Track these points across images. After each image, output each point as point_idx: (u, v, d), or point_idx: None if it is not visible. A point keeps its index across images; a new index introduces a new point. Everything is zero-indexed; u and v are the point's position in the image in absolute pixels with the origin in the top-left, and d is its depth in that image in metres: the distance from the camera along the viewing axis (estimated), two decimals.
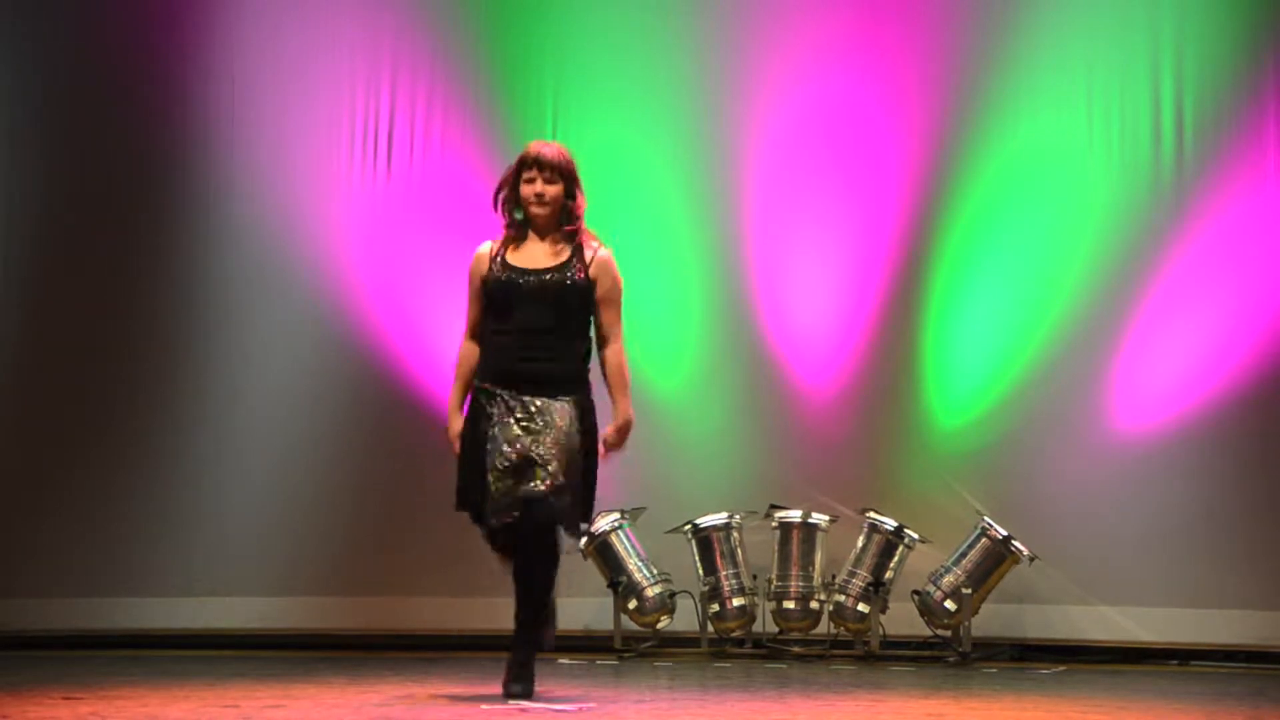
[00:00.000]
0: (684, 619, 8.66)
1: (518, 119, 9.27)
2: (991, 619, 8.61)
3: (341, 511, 9.17)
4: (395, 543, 9.13)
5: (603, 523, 8.53)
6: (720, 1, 9.21)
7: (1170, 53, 8.83)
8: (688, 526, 8.61)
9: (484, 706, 6.11)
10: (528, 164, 6.42)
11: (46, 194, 9.42)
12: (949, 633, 8.50)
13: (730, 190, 9.13)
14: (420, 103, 9.34)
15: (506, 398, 6.33)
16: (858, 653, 8.50)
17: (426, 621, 9.04)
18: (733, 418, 9.02)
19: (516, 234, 6.48)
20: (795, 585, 8.56)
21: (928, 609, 8.50)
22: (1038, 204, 8.90)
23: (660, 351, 8.98)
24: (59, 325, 9.34)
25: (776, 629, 8.65)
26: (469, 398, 6.47)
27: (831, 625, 8.58)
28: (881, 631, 8.49)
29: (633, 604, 8.61)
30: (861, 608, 8.50)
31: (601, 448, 6.42)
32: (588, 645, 8.57)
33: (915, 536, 8.55)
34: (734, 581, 8.58)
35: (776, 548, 8.62)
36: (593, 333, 6.48)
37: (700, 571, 8.62)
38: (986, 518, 8.50)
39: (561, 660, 7.76)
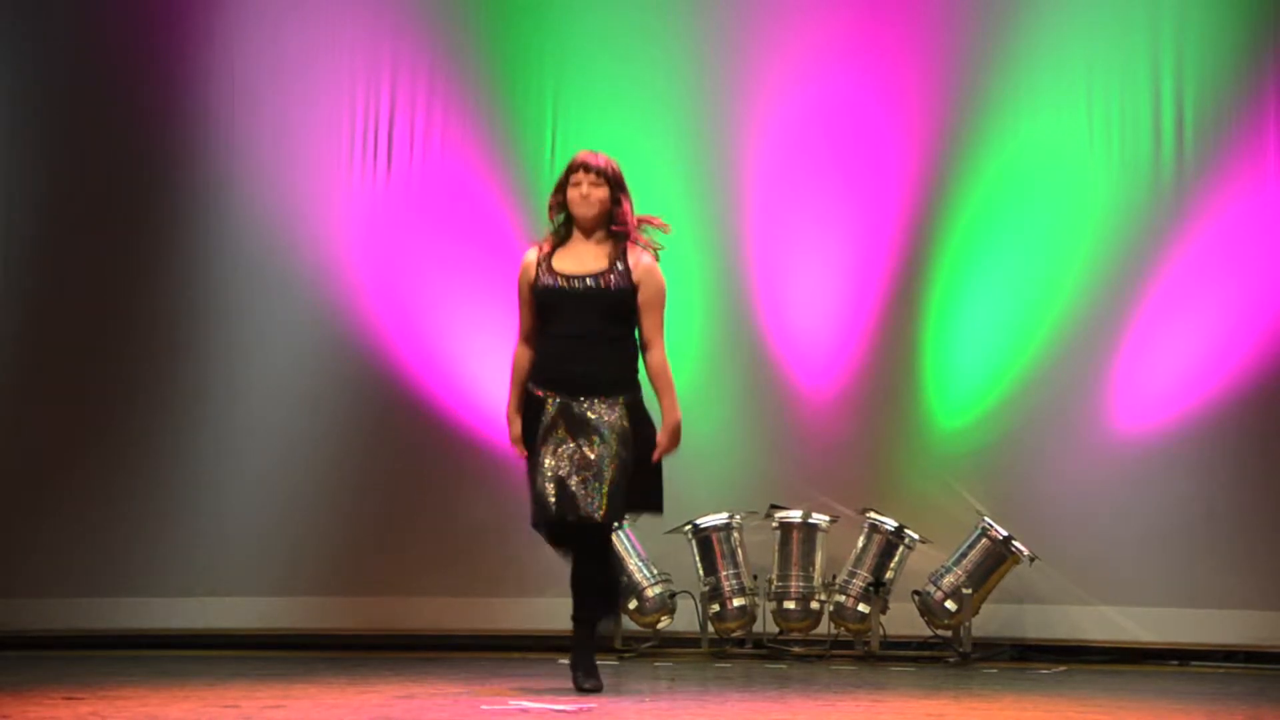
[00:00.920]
0: (684, 619, 8.66)
1: (518, 119, 9.27)
2: (991, 619, 8.61)
3: (341, 511, 9.17)
4: (395, 543, 9.13)
5: None
6: (720, 2, 9.20)
7: (1170, 53, 8.83)
8: (688, 526, 8.61)
9: (484, 706, 6.10)
10: (575, 168, 6.62)
11: (46, 194, 9.42)
12: (949, 633, 8.50)
13: (730, 190, 9.13)
14: (420, 103, 9.33)
15: (557, 402, 6.48)
16: (858, 653, 8.51)
17: (426, 621, 9.03)
18: (733, 418, 9.01)
19: (561, 239, 6.63)
20: (795, 585, 8.56)
21: (928, 609, 8.50)
22: (1038, 204, 8.90)
23: None
24: (59, 325, 9.33)
25: (777, 629, 8.65)
26: (525, 400, 6.62)
27: (832, 625, 8.58)
28: (882, 631, 8.49)
29: (633, 604, 8.61)
30: (862, 608, 8.50)
31: (655, 452, 6.58)
32: None
33: (915, 536, 8.55)
34: (734, 582, 8.58)
35: (776, 548, 8.62)
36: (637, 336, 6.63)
37: (700, 572, 8.62)
38: (986, 518, 8.50)
39: (561, 660, 7.76)
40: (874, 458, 8.99)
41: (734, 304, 9.09)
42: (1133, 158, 8.84)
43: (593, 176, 6.57)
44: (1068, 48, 8.90)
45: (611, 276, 6.55)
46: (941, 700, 6.62)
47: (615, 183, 6.60)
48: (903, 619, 8.55)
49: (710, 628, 8.61)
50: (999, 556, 8.45)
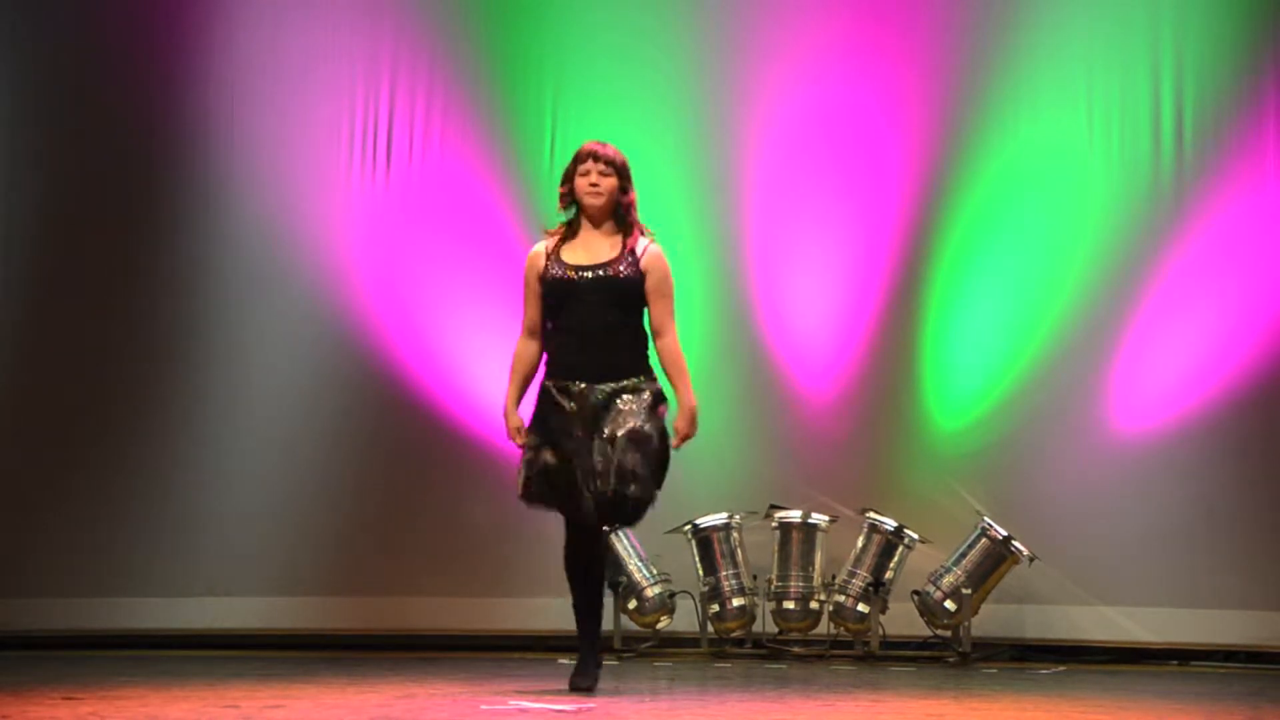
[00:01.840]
0: (684, 619, 8.66)
1: (518, 119, 9.27)
2: (991, 619, 8.61)
3: (341, 511, 9.17)
4: (395, 543, 9.13)
5: None
6: (720, 2, 9.20)
7: (1170, 53, 8.83)
8: (688, 526, 8.61)
9: (484, 707, 6.11)
10: (583, 157, 6.61)
11: (46, 194, 9.42)
12: (949, 633, 8.50)
13: (730, 191, 9.13)
14: (420, 104, 9.33)
15: (576, 390, 6.48)
16: (858, 653, 8.51)
17: (426, 621, 9.04)
18: (733, 418, 9.01)
19: (569, 231, 6.64)
20: (795, 585, 8.57)
21: (928, 609, 8.50)
22: (1038, 204, 8.91)
23: None
24: (59, 325, 9.33)
25: (776, 629, 8.65)
26: (537, 395, 6.61)
27: (831, 625, 8.58)
28: (881, 632, 8.49)
29: (633, 604, 8.61)
30: (861, 608, 8.50)
31: (674, 439, 6.57)
32: None
33: (915, 536, 8.55)
34: (734, 582, 8.58)
35: (776, 548, 8.62)
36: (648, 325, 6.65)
37: (700, 572, 8.62)
38: (986, 518, 8.50)
39: (561, 660, 7.76)
40: (874, 458, 8.99)
41: (734, 304, 9.09)
42: (1132, 158, 8.84)
43: (601, 166, 6.58)
44: (1067, 48, 8.90)
45: (620, 266, 6.55)
46: (941, 700, 6.62)
47: (623, 173, 6.61)
48: (902, 619, 8.55)
49: (710, 628, 8.61)
50: (998, 556, 8.45)
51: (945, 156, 8.98)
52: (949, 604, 8.45)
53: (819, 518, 8.63)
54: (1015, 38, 8.95)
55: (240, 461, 9.22)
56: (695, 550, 8.63)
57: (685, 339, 8.91)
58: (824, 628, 8.60)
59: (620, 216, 6.61)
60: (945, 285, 8.97)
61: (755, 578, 8.62)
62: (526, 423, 6.60)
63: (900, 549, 8.54)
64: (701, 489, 8.77)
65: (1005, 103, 8.94)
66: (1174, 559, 8.60)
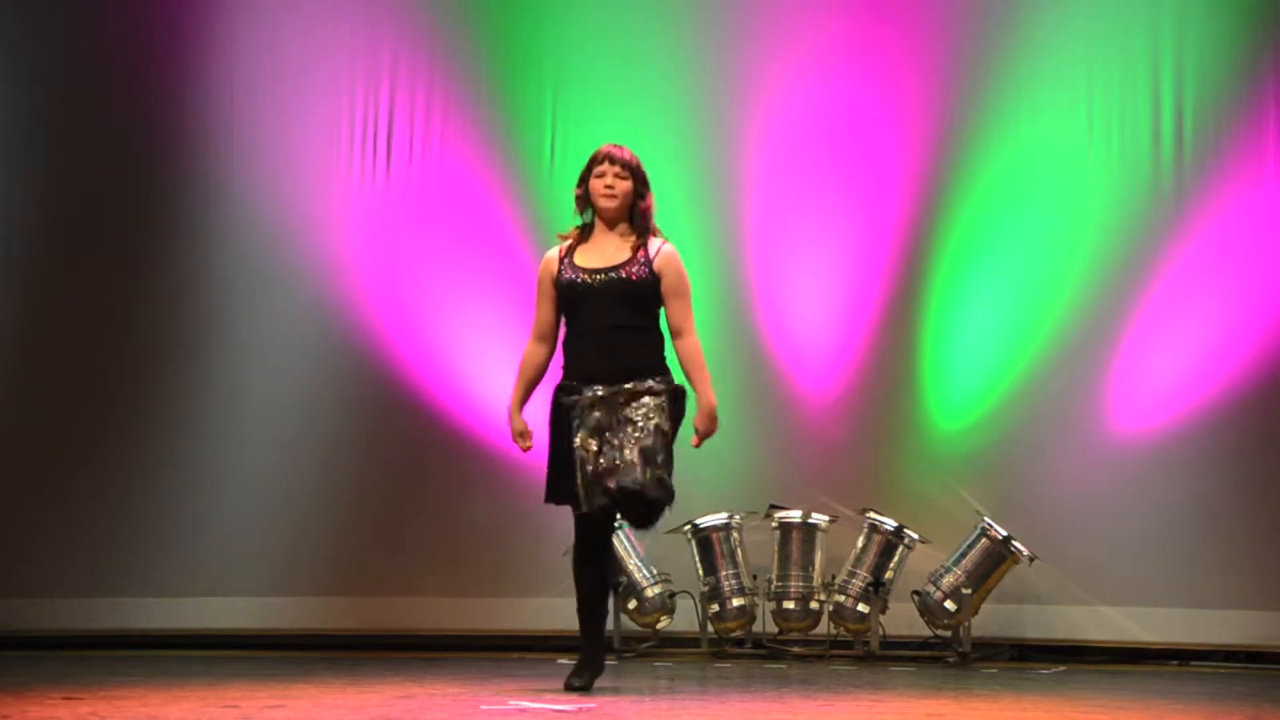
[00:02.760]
0: (684, 619, 8.66)
1: (518, 119, 9.27)
2: (991, 619, 8.61)
3: (341, 511, 9.18)
4: (395, 543, 9.13)
5: None
6: (720, 3, 9.20)
7: (1170, 53, 8.83)
8: (688, 526, 8.61)
9: (483, 707, 6.11)
10: (599, 160, 6.64)
11: (46, 194, 9.42)
12: (949, 633, 8.50)
13: (730, 191, 9.13)
14: (420, 103, 9.34)
15: (593, 391, 6.48)
16: (858, 653, 8.51)
17: (426, 621, 9.04)
18: (733, 418, 8.95)
19: (583, 235, 6.66)
20: (795, 585, 8.57)
21: (928, 609, 8.50)
22: (1038, 204, 8.91)
23: None
24: (59, 325, 9.33)
25: (776, 629, 8.65)
26: (553, 398, 6.61)
27: (831, 625, 8.58)
28: (881, 632, 8.49)
29: (632, 604, 8.61)
30: (861, 608, 8.50)
31: (694, 438, 6.59)
32: None
33: (915, 536, 8.55)
34: (734, 582, 8.58)
35: (776, 548, 8.62)
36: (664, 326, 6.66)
37: (700, 572, 8.62)
38: (986, 518, 8.50)
39: (561, 660, 7.76)
40: (874, 458, 8.99)
41: (734, 305, 9.09)
42: (1132, 158, 8.84)
43: (617, 169, 6.59)
44: (1067, 49, 8.90)
45: (634, 268, 6.56)
46: (941, 700, 6.62)
47: (639, 176, 6.63)
48: (902, 619, 8.55)
49: (710, 628, 8.62)
50: (998, 556, 8.45)
51: (945, 157, 8.98)
52: (949, 604, 8.45)
53: (819, 518, 8.63)
54: (1015, 38, 8.95)
55: (240, 462, 9.22)
56: (695, 550, 8.63)
57: None
58: (824, 628, 8.60)
59: (635, 219, 6.63)
60: (945, 285, 8.97)
61: (755, 578, 8.62)
62: (533, 427, 6.62)
63: (900, 549, 8.54)
64: (701, 489, 8.76)
65: (1005, 103, 8.94)
66: (1174, 559, 8.60)
